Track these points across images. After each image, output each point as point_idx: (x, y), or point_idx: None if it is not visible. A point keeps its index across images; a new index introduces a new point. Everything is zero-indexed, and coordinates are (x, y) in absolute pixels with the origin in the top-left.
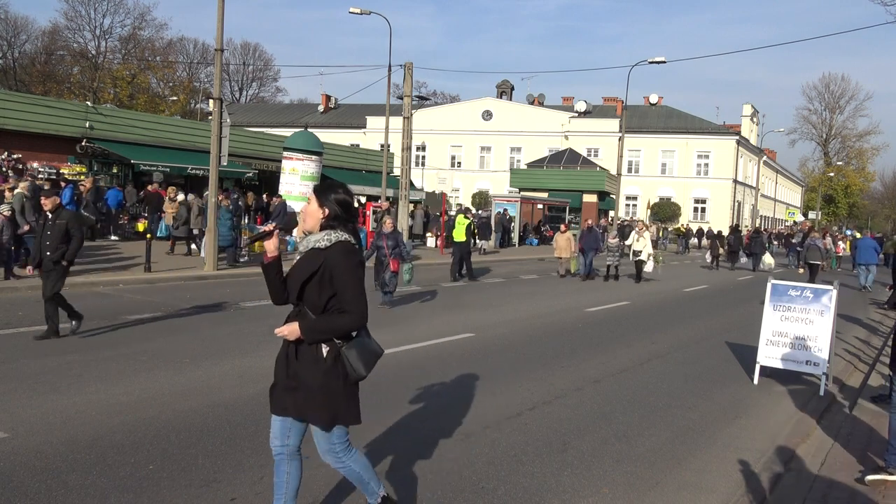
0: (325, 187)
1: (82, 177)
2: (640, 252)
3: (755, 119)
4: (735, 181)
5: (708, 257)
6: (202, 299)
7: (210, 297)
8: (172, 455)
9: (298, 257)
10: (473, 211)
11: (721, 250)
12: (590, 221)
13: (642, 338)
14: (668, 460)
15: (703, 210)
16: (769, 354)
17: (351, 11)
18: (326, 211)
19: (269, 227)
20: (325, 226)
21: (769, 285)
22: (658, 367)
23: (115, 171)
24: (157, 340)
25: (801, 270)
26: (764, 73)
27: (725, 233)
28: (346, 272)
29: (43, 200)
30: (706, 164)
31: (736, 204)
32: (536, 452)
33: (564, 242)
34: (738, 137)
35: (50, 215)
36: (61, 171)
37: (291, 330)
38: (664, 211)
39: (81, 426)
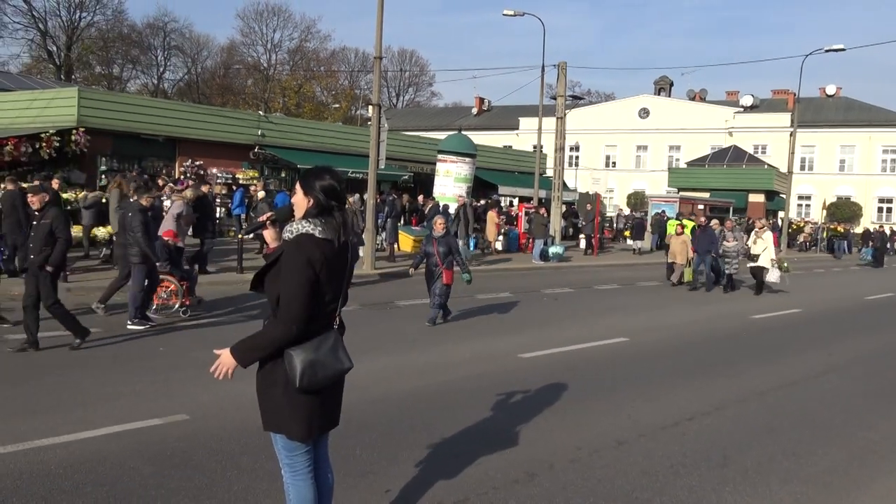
0: (311, 174)
1: (255, 181)
2: (759, 256)
3: None
4: None
5: None
6: (361, 297)
7: (368, 296)
8: (333, 445)
9: None
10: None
11: None
12: (703, 219)
13: (816, 349)
14: (843, 483)
15: (889, 210)
16: None
17: (504, 14)
18: (311, 200)
19: (263, 217)
20: (307, 215)
21: None
22: (834, 380)
23: (283, 175)
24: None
25: None
26: None
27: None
28: (289, 269)
29: (30, 198)
30: (893, 160)
31: None
32: (694, 465)
33: (679, 246)
34: None
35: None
36: (237, 176)
37: (222, 361)
38: (842, 211)
39: (252, 412)
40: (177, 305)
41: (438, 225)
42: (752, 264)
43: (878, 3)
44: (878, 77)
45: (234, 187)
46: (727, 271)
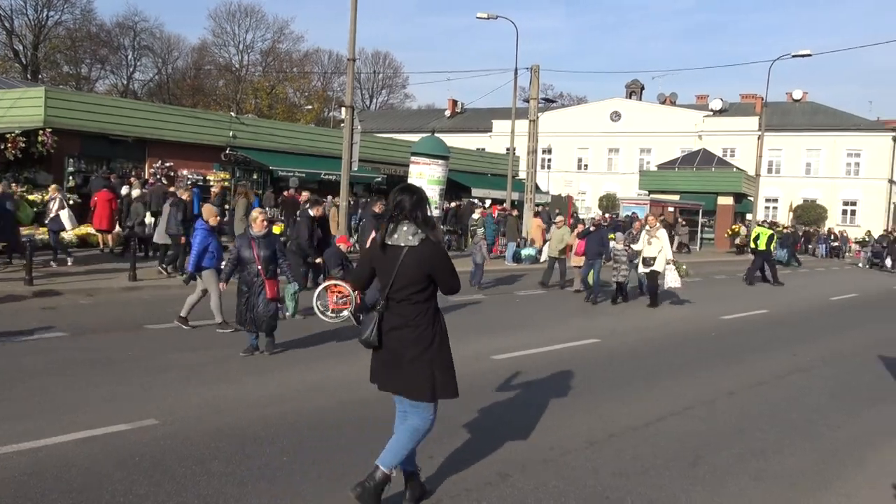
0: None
1: (226, 183)
2: (653, 260)
3: None
4: (891, 181)
5: (889, 262)
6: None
7: None
8: (305, 448)
9: None
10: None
11: None
12: (596, 217)
13: (782, 349)
14: (811, 482)
15: (854, 213)
16: None
17: (478, 17)
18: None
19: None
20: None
21: None
22: (800, 381)
23: (255, 177)
24: (296, 339)
25: None
26: None
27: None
28: None
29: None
30: (857, 164)
31: (892, 206)
32: (665, 465)
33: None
34: (894, 133)
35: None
36: (207, 178)
37: None
38: (808, 213)
39: (224, 417)
40: (346, 312)
41: (258, 221)
42: (646, 269)
43: (844, 9)
44: (843, 82)
45: (192, 186)
46: (615, 279)
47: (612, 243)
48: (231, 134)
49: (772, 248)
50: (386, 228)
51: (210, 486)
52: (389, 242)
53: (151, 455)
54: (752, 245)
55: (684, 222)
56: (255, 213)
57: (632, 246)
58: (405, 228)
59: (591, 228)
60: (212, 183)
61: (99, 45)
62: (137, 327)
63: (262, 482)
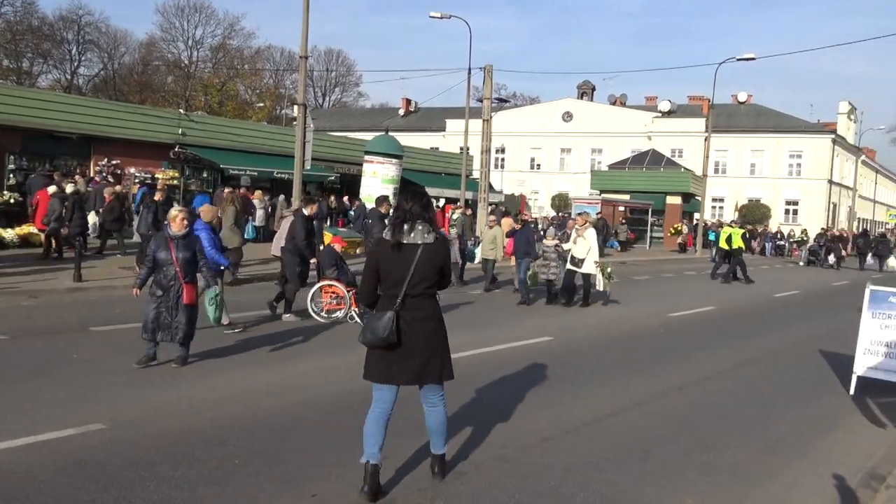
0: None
1: (175, 181)
2: (581, 260)
3: (853, 116)
4: (830, 182)
5: (832, 258)
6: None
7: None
8: (257, 450)
9: None
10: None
11: (844, 252)
12: (525, 214)
13: (728, 345)
14: (756, 473)
15: (796, 212)
16: (867, 364)
17: (431, 16)
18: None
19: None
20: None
21: (867, 291)
22: (745, 375)
23: (205, 175)
24: (244, 340)
25: None
26: (864, 68)
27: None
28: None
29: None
30: (798, 165)
31: (831, 206)
32: (617, 460)
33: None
34: (833, 136)
35: None
36: (156, 176)
37: None
38: (753, 213)
39: (173, 420)
40: (340, 312)
41: (178, 221)
42: (574, 269)
43: (789, 15)
44: (786, 85)
45: (139, 185)
46: (544, 276)
47: (544, 240)
48: (180, 131)
49: (742, 245)
50: (401, 230)
51: (159, 491)
52: (406, 241)
53: (98, 460)
54: (725, 246)
55: (624, 220)
56: (174, 211)
57: (563, 245)
58: (420, 228)
59: (517, 227)
60: (161, 181)
61: (41, 39)
62: (82, 329)
63: (213, 486)
